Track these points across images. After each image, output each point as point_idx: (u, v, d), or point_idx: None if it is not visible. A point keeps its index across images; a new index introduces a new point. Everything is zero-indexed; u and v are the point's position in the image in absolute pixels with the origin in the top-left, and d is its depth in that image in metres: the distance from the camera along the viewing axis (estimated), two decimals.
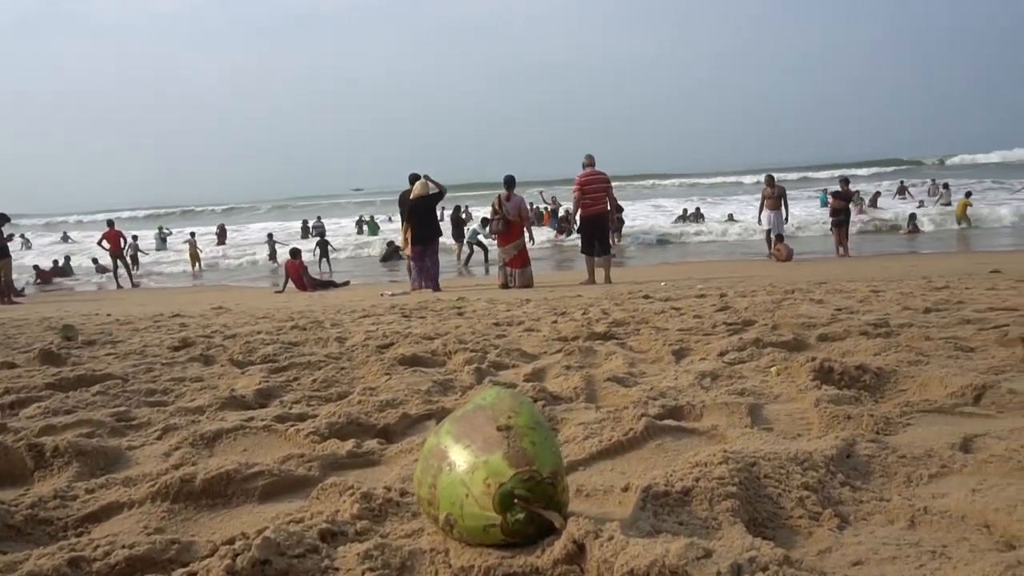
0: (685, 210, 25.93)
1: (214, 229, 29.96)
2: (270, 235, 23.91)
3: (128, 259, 18.92)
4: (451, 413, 1.21)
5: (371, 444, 1.73)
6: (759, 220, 15.05)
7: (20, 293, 15.35)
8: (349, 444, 1.69)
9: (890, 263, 11.09)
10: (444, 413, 2.00)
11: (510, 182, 9.93)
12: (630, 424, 1.66)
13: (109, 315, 7.13)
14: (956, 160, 56.91)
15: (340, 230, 29.71)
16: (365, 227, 27.86)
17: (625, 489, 1.27)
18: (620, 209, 18.94)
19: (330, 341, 3.74)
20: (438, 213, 11.33)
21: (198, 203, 68.13)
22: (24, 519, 1.28)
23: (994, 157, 55.27)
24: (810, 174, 47.71)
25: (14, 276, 14.68)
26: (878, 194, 26.87)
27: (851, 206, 15.44)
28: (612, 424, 1.72)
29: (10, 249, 13.72)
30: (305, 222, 29.85)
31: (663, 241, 21.05)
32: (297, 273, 12.69)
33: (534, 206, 22.53)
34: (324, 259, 19.28)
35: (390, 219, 29.76)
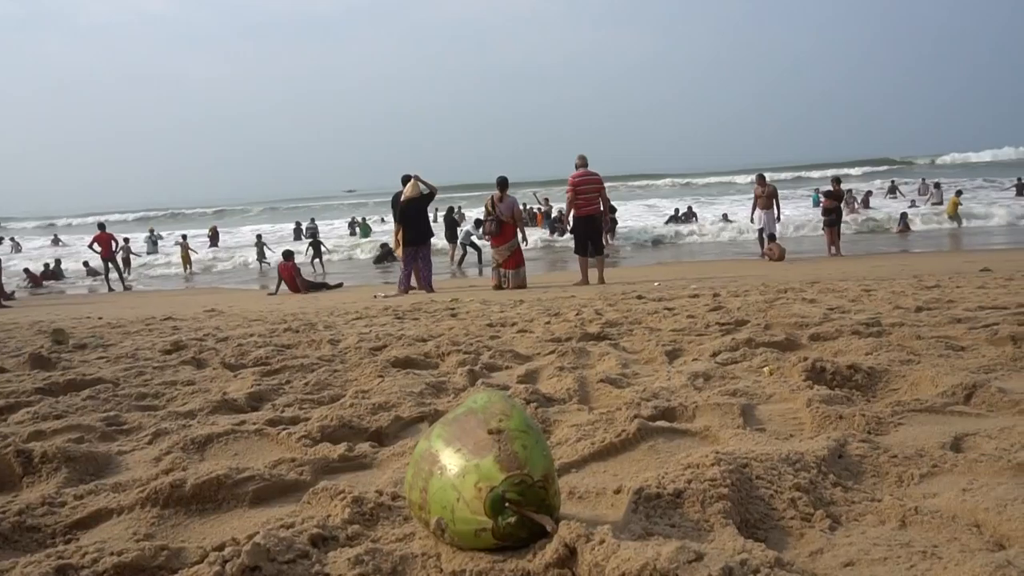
0: (677, 210, 25.96)
1: (206, 231, 29.84)
2: (259, 236, 23.82)
3: (120, 262, 18.82)
4: (442, 416, 1.20)
5: (363, 447, 1.72)
6: (751, 219, 15.12)
7: (10, 297, 15.24)
8: (341, 448, 1.68)
9: (881, 262, 11.14)
10: (437, 415, 2.00)
11: (503, 183, 9.93)
12: (623, 426, 1.66)
13: (100, 318, 7.09)
14: (947, 159, 57.31)
15: (333, 231, 29.65)
16: (358, 229, 27.81)
17: (617, 491, 1.27)
18: (613, 209, 18.98)
19: (323, 343, 3.73)
20: (431, 215, 11.32)
21: (189, 205, 67.92)
22: (12, 526, 1.27)
23: (985, 156, 55.70)
24: (803, 174, 47.91)
25: (4, 280, 14.59)
26: (870, 193, 27.00)
27: (842, 206, 15.50)
28: (605, 426, 1.72)
29: None
30: (298, 223, 29.78)
31: (657, 241, 21.08)
32: (290, 275, 12.65)
33: (527, 207, 22.53)
34: (317, 259, 19.23)
35: (383, 220, 29.73)
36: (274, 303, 9.41)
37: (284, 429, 1.90)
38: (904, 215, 20.40)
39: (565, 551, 0.96)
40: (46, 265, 22.46)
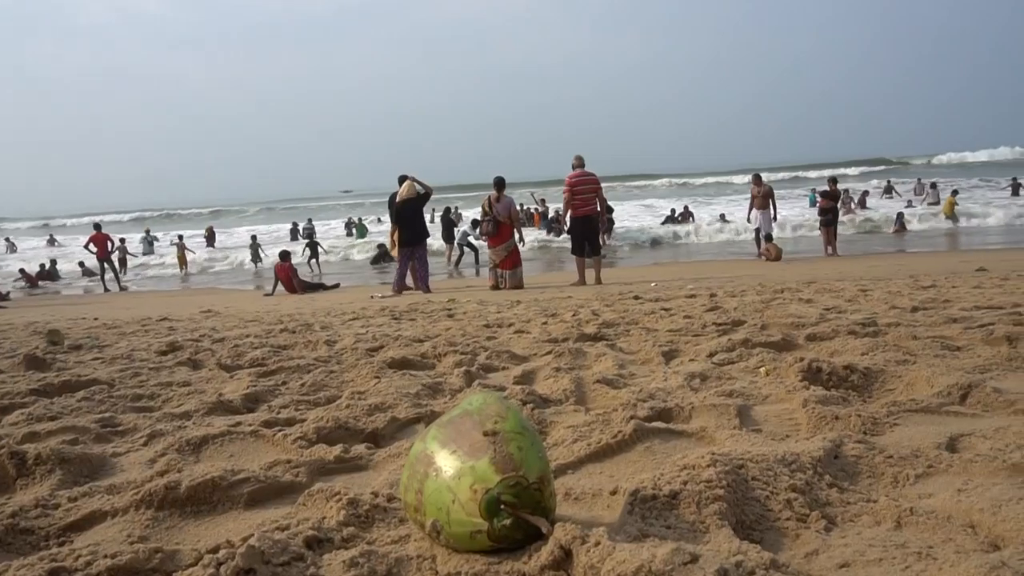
0: (673, 210, 25.93)
1: (202, 232, 29.78)
2: (253, 237, 23.79)
3: (116, 263, 18.77)
4: (438, 418, 1.20)
5: (359, 449, 1.71)
6: (748, 219, 15.15)
7: (6, 297, 15.20)
8: (337, 449, 1.68)
9: (878, 262, 11.16)
10: (433, 416, 2.00)
11: (500, 183, 9.93)
12: (619, 427, 1.66)
13: (96, 319, 7.08)
14: (944, 159, 57.47)
15: (330, 231, 29.61)
16: (354, 229, 27.80)
17: (613, 492, 1.27)
18: (610, 210, 18.98)
19: (319, 344, 3.72)
20: (428, 215, 11.32)
21: (184, 206, 67.78)
22: (5, 529, 1.26)
23: (981, 156, 55.87)
24: (800, 174, 48.00)
25: None
26: (866, 193, 27.06)
27: (839, 206, 15.54)
28: (601, 427, 1.72)
29: None
30: (295, 224, 29.74)
31: (655, 242, 21.10)
32: (287, 276, 12.62)
33: (524, 207, 22.53)
34: (314, 259, 19.21)
35: (379, 220, 29.70)
36: (271, 304, 9.39)
37: (280, 430, 1.89)
38: (900, 215, 20.46)
39: (560, 553, 0.96)
40: (41, 266, 22.40)
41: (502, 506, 1.00)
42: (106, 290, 17.10)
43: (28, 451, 1.64)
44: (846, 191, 22.86)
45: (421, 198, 10.03)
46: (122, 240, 21.83)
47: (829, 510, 1.17)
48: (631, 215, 27.33)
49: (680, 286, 7.44)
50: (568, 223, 10.05)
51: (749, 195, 15.02)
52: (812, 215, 19.48)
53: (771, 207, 14.28)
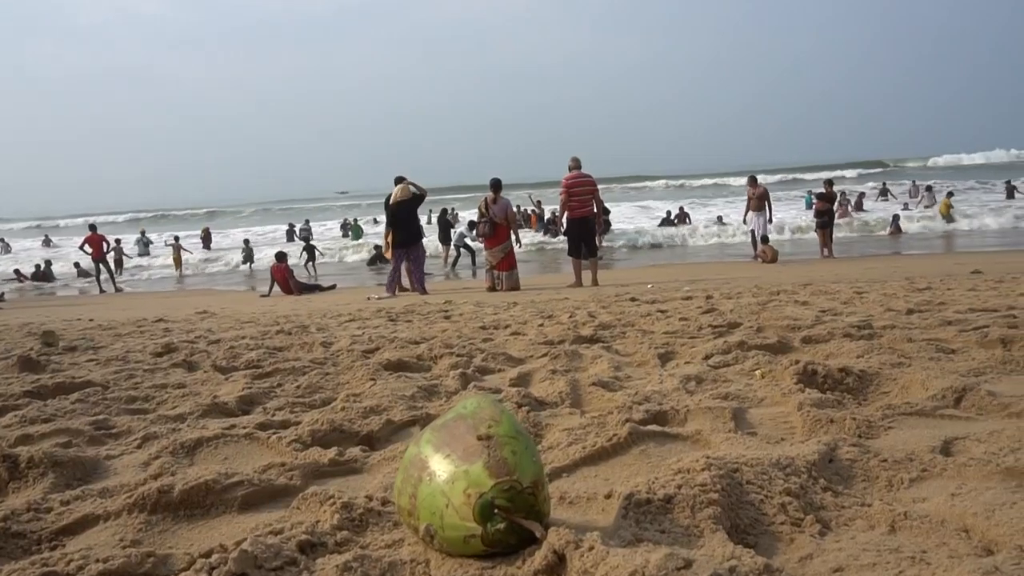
0: (669, 212, 25.93)
1: (198, 232, 29.73)
2: (246, 241, 23.78)
3: (112, 263, 18.72)
4: (432, 421, 1.20)
5: (354, 452, 1.71)
6: (744, 221, 15.19)
7: (0, 299, 15.15)
8: (331, 452, 1.67)
9: (873, 264, 11.19)
10: (428, 419, 1.99)
11: (496, 185, 9.93)
12: (614, 430, 1.65)
13: (91, 320, 7.05)
14: (940, 161, 57.64)
15: (326, 232, 29.58)
16: (350, 231, 27.78)
17: (608, 496, 1.27)
18: (607, 211, 18.99)
19: (315, 346, 3.71)
20: (424, 217, 11.32)
21: (180, 206, 67.62)
22: None
23: (977, 158, 56.07)
24: (797, 175, 48.08)
25: None
26: (863, 195, 27.12)
27: (835, 208, 15.58)
28: (596, 430, 1.72)
29: None
30: (291, 225, 29.69)
31: (655, 246, 21.11)
32: (283, 277, 12.60)
33: (521, 208, 22.53)
34: (311, 263, 19.18)
35: (375, 221, 29.69)
36: (267, 305, 9.38)
37: (274, 433, 1.89)
38: (896, 217, 20.52)
39: (554, 558, 0.96)
40: (37, 266, 22.34)
41: (496, 510, 1.00)
42: (102, 291, 17.05)
43: (21, 454, 1.63)
44: (842, 193, 22.91)
45: (415, 199, 10.03)
46: (117, 241, 21.77)
47: (823, 514, 1.16)
48: (627, 216, 27.35)
49: (676, 288, 7.45)
50: (564, 225, 10.06)
51: (746, 197, 15.05)
52: (808, 217, 19.53)
53: (766, 209, 14.32)
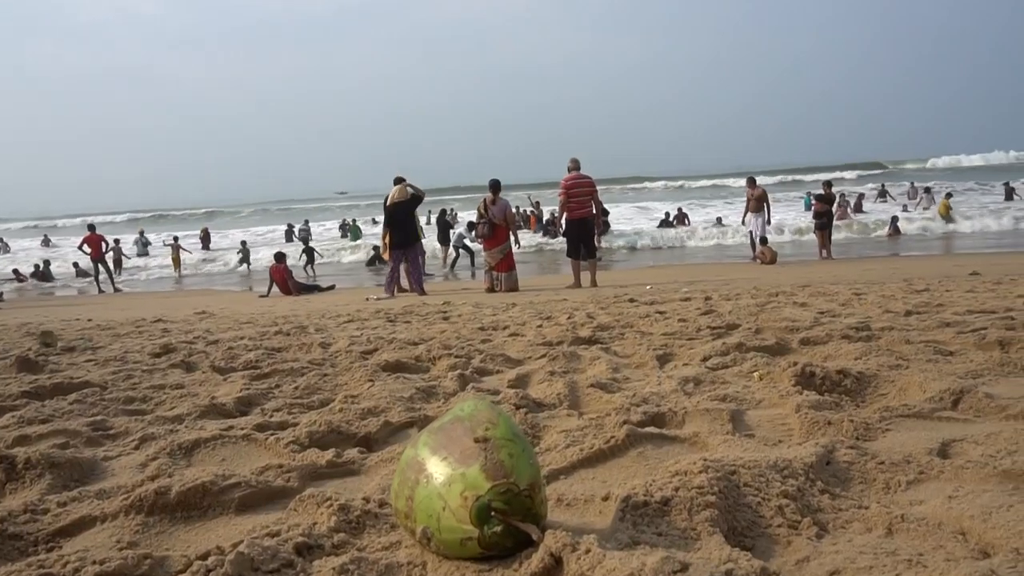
0: (667, 213, 25.91)
1: (197, 232, 29.72)
2: (243, 242, 23.78)
3: (111, 263, 18.71)
4: (429, 424, 1.20)
5: (352, 453, 1.71)
6: (743, 222, 15.22)
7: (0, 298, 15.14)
8: (329, 454, 1.67)
9: (872, 266, 11.20)
10: (426, 421, 1.99)
11: (495, 186, 9.93)
12: (612, 432, 1.65)
13: (90, 320, 7.05)
14: (939, 162, 57.72)
15: (325, 233, 29.56)
16: (348, 232, 27.77)
17: (605, 498, 1.27)
18: (606, 212, 19.01)
19: (314, 347, 3.71)
20: (423, 217, 11.33)
21: (179, 207, 67.57)
22: None
23: (976, 160, 56.19)
24: (797, 177, 48.11)
25: None
26: (862, 197, 27.13)
27: (834, 209, 15.60)
28: (594, 432, 1.72)
29: None
30: (290, 226, 29.67)
31: (655, 248, 21.12)
32: (282, 277, 12.60)
33: (520, 209, 22.54)
34: (310, 265, 19.18)
35: (374, 221, 29.69)
36: (266, 305, 9.37)
37: (272, 434, 1.89)
38: (895, 218, 20.55)
39: (551, 560, 0.96)
40: (36, 266, 22.33)
41: (492, 513, 1.00)
42: (100, 291, 17.04)
43: (18, 455, 1.63)
44: (841, 194, 22.93)
45: (413, 200, 10.04)
46: (116, 241, 21.75)
47: (820, 516, 1.16)
48: (625, 217, 27.36)
49: (675, 289, 7.45)
50: (563, 226, 10.06)
51: (745, 198, 15.07)
52: (807, 218, 19.55)
53: (765, 210, 14.33)
